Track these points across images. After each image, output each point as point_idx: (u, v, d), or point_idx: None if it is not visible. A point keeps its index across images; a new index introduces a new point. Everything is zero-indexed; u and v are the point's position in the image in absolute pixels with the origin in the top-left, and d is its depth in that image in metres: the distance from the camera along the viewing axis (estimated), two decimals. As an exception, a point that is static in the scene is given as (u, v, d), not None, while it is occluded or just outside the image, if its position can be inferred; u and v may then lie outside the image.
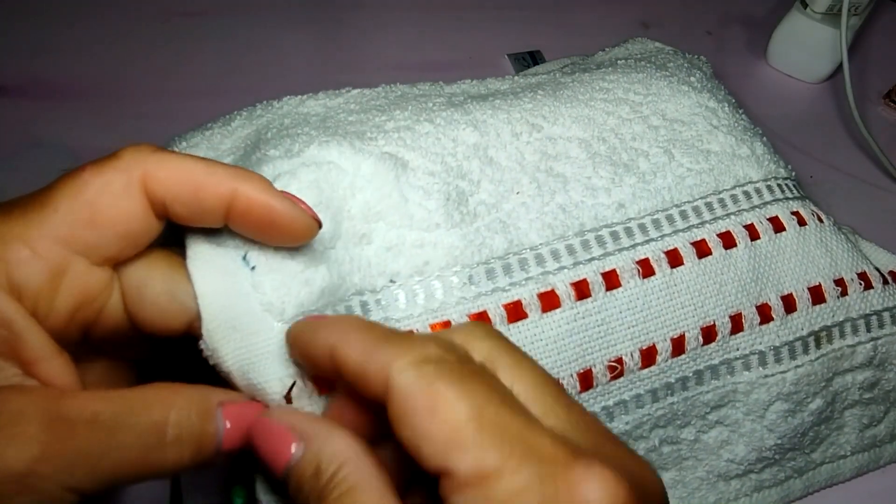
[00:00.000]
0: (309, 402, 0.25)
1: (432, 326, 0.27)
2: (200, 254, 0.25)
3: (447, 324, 0.27)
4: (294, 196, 0.24)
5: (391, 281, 0.27)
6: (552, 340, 0.28)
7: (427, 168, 0.29)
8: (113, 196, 0.22)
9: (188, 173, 0.22)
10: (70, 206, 0.21)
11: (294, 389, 0.24)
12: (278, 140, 0.30)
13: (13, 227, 0.21)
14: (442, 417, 0.18)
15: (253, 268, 0.25)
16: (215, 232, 0.26)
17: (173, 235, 0.25)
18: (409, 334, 0.21)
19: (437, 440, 0.18)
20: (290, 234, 0.23)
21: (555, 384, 0.21)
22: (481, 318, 0.28)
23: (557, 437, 0.18)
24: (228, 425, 0.22)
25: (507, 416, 0.18)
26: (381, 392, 0.19)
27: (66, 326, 0.22)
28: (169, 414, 0.21)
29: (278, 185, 0.26)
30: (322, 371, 0.22)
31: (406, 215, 0.28)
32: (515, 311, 0.28)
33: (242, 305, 0.25)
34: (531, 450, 0.18)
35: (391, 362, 0.19)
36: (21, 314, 0.21)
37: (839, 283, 0.33)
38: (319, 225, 0.24)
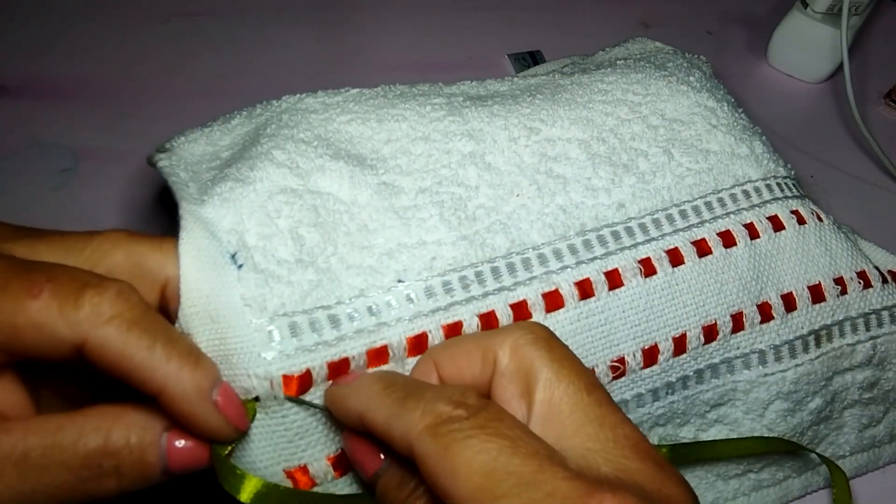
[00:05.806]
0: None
1: (444, 327, 0.27)
2: (192, 239, 0.25)
3: (458, 325, 0.27)
4: (227, 401, 0.23)
5: (399, 280, 0.27)
6: None
7: (419, 186, 0.30)
8: (44, 334, 0.20)
9: (131, 364, 0.21)
10: (9, 306, 0.20)
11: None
12: (282, 140, 0.30)
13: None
14: (463, 480, 0.19)
15: (240, 266, 0.26)
16: (210, 220, 0.26)
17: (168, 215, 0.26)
18: (425, 389, 0.23)
19: (463, 500, 0.19)
20: (202, 434, 0.22)
21: (590, 394, 0.22)
22: (489, 318, 0.27)
23: (571, 473, 0.19)
24: (182, 444, 0.22)
25: (519, 462, 0.19)
26: (409, 455, 0.21)
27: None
28: (106, 442, 0.21)
29: (282, 197, 0.27)
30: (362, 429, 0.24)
31: (403, 227, 0.28)
32: (520, 312, 0.28)
33: (224, 298, 0.25)
34: (545, 493, 0.19)
35: (410, 431, 0.21)
36: None
37: (839, 281, 0.33)
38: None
